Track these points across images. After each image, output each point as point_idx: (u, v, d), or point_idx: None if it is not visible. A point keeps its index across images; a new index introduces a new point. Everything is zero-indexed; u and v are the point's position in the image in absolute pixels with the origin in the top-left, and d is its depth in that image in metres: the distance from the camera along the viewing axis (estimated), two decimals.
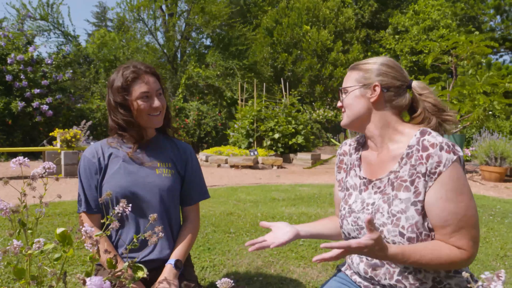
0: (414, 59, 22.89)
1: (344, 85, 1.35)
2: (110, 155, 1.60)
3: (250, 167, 9.42)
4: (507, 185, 6.93)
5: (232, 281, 0.91)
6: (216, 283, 0.90)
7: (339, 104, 1.38)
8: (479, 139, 8.25)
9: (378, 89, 1.26)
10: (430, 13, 22.98)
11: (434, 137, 1.18)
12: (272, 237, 1.36)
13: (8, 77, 10.38)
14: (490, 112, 8.05)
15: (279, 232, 1.38)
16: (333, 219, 1.54)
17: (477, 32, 8.34)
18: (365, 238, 1.05)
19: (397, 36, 24.34)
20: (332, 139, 13.77)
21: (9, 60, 10.50)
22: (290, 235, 1.36)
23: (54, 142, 7.87)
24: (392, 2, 28.18)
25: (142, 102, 1.53)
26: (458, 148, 1.17)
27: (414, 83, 1.31)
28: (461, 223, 1.13)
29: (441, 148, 1.14)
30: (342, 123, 1.38)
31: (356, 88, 1.30)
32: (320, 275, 2.54)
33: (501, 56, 26.90)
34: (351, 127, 1.37)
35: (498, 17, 24.48)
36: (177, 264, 1.50)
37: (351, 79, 1.33)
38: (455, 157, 1.14)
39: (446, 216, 1.13)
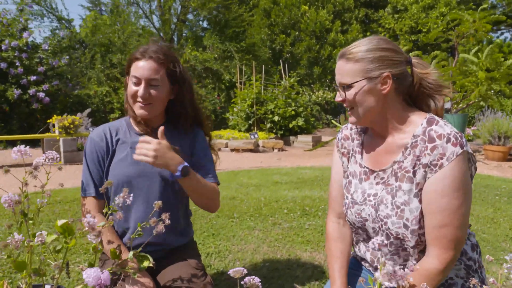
0: (413, 39, 22.58)
1: (341, 78, 1.19)
2: (118, 140, 1.56)
3: (250, 150, 9.36)
4: (511, 164, 6.89)
5: (244, 269, 0.86)
6: (229, 272, 0.86)
7: (338, 98, 1.22)
8: (482, 118, 8.17)
9: (389, 81, 1.15)
10: None
11: (442, 127, 1.12)
12: None
13: (3, 65, 10.15)
14: (492, 92, 7.95)
15: None
16: (337, 251, 1.39)
17: (485, 6, 8.14)
18: None
19: (396, 16, 23.95)
20: (333, 121, 13.67)
21: (3, 47, 10.24)
22: None
23: (53, 129, 7.78)
24: None
25: (130, 85, 1.48)
26: (465, 140, 1.10)
27: (414, 60, 1.22)
28: (446, 220, 1.08)
29: (448, 140, 1.08)
30: (352, 121, 1.24)
31: (365, 84, 1.15)
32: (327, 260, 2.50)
33: (502, 33, 26.63)
34: (362, 124, 1.27)
35: None
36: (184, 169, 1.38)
37: (351, 72, 1.16)
38: (461, 151, 1.07)
39: (434, 209, 1.09)
